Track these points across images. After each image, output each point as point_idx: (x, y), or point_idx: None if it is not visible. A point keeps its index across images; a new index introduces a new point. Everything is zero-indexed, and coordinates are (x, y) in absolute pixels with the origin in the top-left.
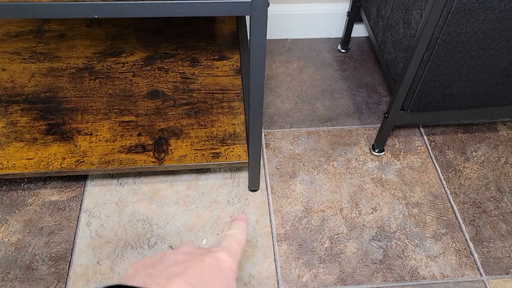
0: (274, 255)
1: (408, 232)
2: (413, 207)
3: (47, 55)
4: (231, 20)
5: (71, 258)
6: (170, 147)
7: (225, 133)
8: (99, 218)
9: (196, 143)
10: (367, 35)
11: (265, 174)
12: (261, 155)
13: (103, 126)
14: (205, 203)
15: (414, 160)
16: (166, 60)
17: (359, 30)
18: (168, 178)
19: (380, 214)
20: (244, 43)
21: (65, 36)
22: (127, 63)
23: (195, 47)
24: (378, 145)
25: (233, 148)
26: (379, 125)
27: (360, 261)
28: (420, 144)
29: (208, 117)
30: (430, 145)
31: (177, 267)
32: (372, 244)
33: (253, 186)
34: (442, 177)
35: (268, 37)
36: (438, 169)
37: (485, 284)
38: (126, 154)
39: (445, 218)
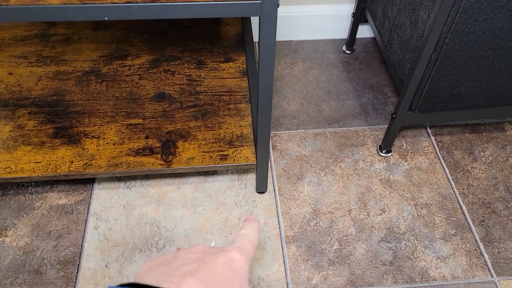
0: (283, 258)
1: (417, 233)
2: (422, 208)
3: (53, 58)
4: (236, 22)
5: (79, 261)
6: (177, 150)
7: (233, 135)
8: (107, 221)
9: (204, 145)
10: (372, 36)
11: (272, 176)
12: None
13: (111, 129)
14: (212, 205)
15: (421, 161)
16: (172, 63)
17: (364, 31)
18: (175, 181)
19: (388, 215)
20: (250, 45)
21: (71, 39)
22: (134, 66)
23: (200, 50)
24: (386, 146)
25: (241, 150)
26: (385, 126)
27: (369, 263)
28: (427, 144)
29: (215, 119)
30: (437, 145)
31: (190, 266)
32: (382, 245)
33: (261, 188)
34: (450, 178)
35: None
36: (446, 170)
37: (496, 285)
38: (134, 157)
39: (454, 218)
